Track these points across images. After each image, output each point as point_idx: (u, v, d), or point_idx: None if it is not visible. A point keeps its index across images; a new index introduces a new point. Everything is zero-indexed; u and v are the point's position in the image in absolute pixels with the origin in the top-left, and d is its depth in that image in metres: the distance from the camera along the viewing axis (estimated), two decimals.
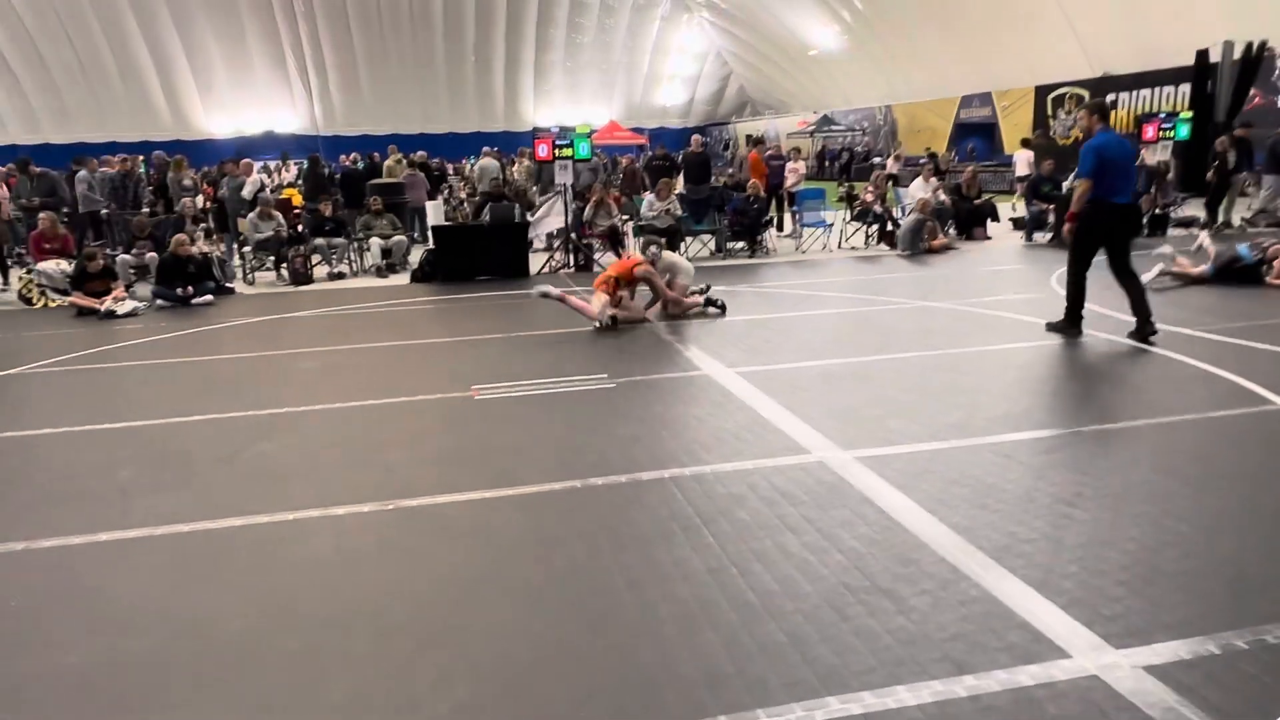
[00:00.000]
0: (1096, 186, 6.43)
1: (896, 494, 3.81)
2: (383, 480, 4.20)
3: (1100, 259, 6.75)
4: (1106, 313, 7.62)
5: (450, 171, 25.40)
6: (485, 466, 4.34)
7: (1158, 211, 13.31)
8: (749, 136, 31.48)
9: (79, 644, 2.93)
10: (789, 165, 15.41)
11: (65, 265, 10.27)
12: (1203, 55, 16.15)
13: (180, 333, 8.31)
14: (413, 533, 3.64)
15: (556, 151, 11.40)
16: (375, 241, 11.99)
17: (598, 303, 7.70)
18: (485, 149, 18.48)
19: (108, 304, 9.35)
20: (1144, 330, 6.50)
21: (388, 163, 16.69)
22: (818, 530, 3.49)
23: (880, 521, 3.55)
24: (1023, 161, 17.42)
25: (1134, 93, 21.36)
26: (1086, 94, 22.67)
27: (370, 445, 4.74)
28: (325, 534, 3.64)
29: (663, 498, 3.87)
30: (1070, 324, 6.85)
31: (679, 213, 12.29)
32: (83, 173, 12.42)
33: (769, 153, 16.41)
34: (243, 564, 3.42)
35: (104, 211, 12.28)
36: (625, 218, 13.90)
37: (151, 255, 10.75)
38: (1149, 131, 12.97)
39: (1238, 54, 15.83)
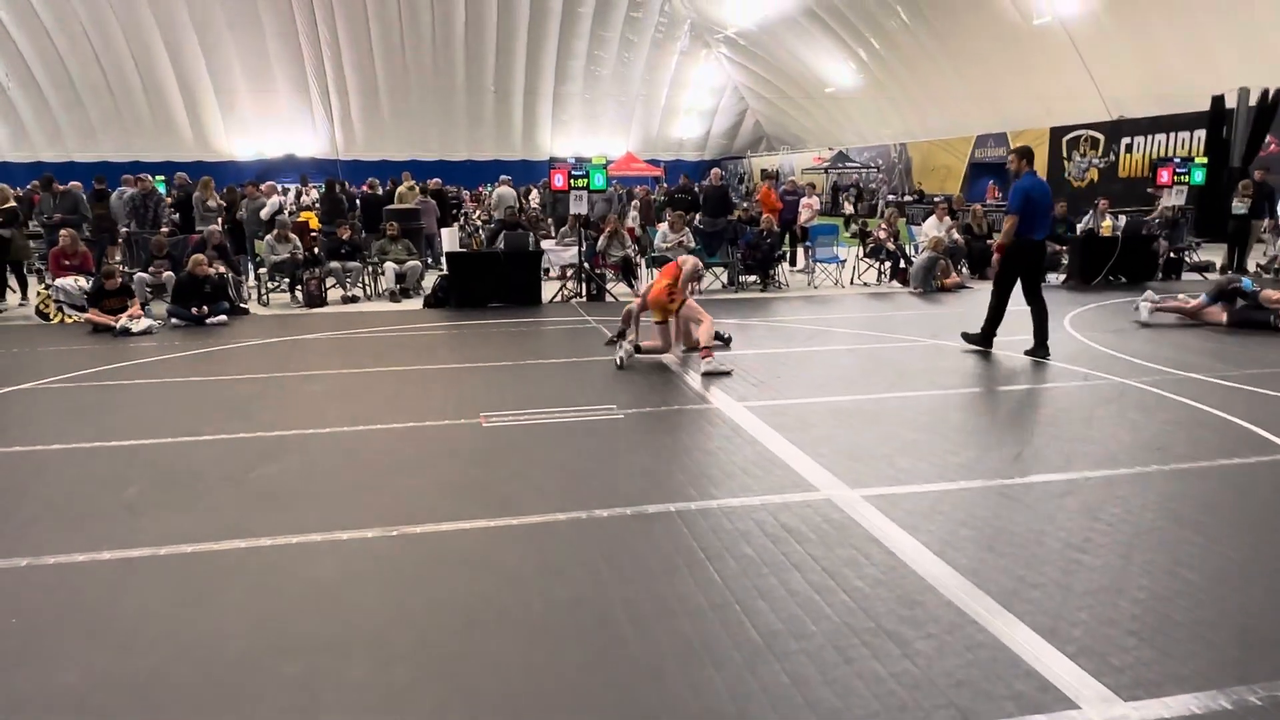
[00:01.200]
0: (1022, 224, 7.46)
1: (903, 534, 3.78)
2: (388, 506, 4.19)
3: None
4: (1115, 354, 7.58)
5: (467, 199, 25.67)
6: (491, 495, 4.33)
7: (1172, 255, 13.29)
8: (764, 171, 31.69)
9: (78, 663, 2.92)
10: (803, 200, 15.50)
11: (83, 282, 10.39)
12: (1218, 101, 16.22)
13: (193, 352, 8.37)
14: (416, 560, 3.63)
15: (572, 182, 11.50)
16: (390, 266, 12.09)
17: (658, 332, 7.52)
18: (502, 177, 18.66)
19: (123, 321, 9.44)
20: (1039, 350, 7.59)
21: (400, 189, 16.87)
22: (823, 569, 3.46)
23: (886, 562, 3.52)
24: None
25: (1149, 136, 21.45)
26: (1102, 137, 22.76)
27: (377, 470, 4.74)
28: (329, 558, 3.63)
29: (668, 531, 3.85)
30: (984, 339, 7.93)
31: (692, 245, 12.35)
32: (131, 191, 12.60)
33: (783, 188, 16.53)
34: (245, 586, 3.42)
35: (123, 229, 12.43)
36: (639, 249, 13.99)
37: (168, 274, 10.86)
38: (1164, 176, 13.00)
39: (1254, 100, 15.87)
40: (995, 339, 7.90)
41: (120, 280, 9.91)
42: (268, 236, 11.97)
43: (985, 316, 7.88)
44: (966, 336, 8.04)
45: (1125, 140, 22.04)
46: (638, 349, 7.53)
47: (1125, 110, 23.24)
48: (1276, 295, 8.98)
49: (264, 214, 13.15)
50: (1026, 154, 7.64)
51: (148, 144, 35.35)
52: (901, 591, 3.28)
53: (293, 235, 11.98)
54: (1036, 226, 7.52)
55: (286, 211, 14.92)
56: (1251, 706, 2.60)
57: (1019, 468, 4.66)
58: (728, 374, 6.94)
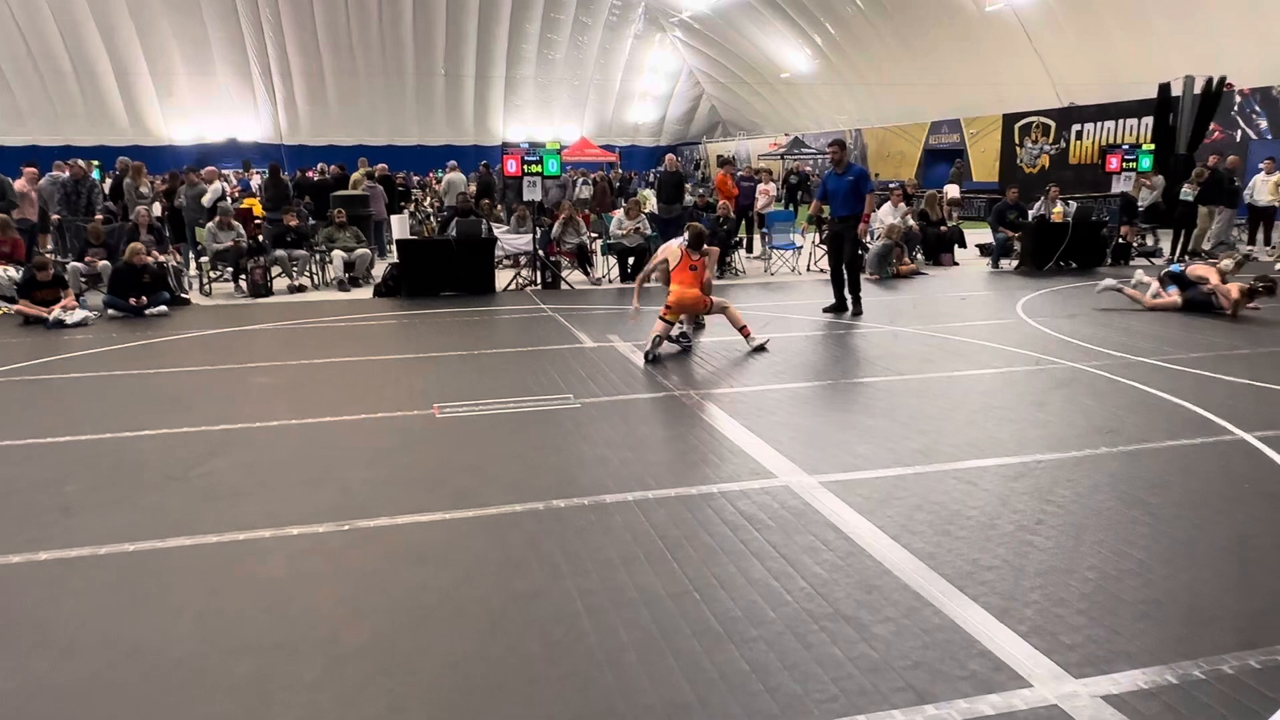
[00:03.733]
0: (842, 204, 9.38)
1: (861, 520, 3.84)
2: (339, 500, 4.15)
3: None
4: (1067, 339, 7.78)
5: (416, 184, 25.33)
6: (445, 487, 4.31)
7: (1120, 241, 13.65)
8: (720, 157, 31.81)
9: (15, 670, 2.84)
10: (759, 187, 15.59)
11: (13, 272, 10.05)
12: (1164, 89, 16.65)
13: (132, 344, 8.15)
14: (369, 555, 3.59)
15: (526, 168, 11.41)
16: (338, 254, 11.90)
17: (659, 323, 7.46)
18: (450, 163, 18.46)
19: (56, 313, 9.15)
20: (838, 308, 9.53)
21: (355, 175, 16.58)
22: (782, 556, 3.51)
23: (844, 547, 3.57)
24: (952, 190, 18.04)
25: (1099, 124, 21.94)
26: (1053, 123, 23.23)
27: (327, 464, 4.68)
28: (277, 555, 3.58)
29: (627, 521, 3.87)
30: (837, 307, 9.59)
31: (648, 232, 12.35)
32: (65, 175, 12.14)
33: (740, 174, 16.59)
34: (191, 586, 3.35)
35: (54, 217, 12.04)
36: (594, 235, 13.94)
37: (104, 264, 10.56)
38: (1112, 162, 13.31)
39: (1198, 88, 16.33)
40: (847, 305, 9.55)
41: (53, 271, 9.60)
42: (209, 224, 11.69)
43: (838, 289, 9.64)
44: (826, 309, 9.62)
45: (1075, 127, 22.51)
46: (661, 340, 7.33)
47: (1075, 97, 23.76)
48: (1200, 270, 9.30)
49: (206, 200, 12.83)
50: (843, 145, 9.64)
51: (80, 128, 34.22)
52: (859, 576, 3.33)
53: (236, 222, 11.72)
54: (832, 207, 9.63)
55: (229, 198, 14.58)
56: (1196, 680, 2.70)
57: (974, 450, 4.76)
58: (765, 347, 7.54)
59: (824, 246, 13.87)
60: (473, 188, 17.51)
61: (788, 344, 7.84)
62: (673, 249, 7.81)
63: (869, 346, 7.73)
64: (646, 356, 7.18)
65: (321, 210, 14.28)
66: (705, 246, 7.80)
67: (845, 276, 9.58)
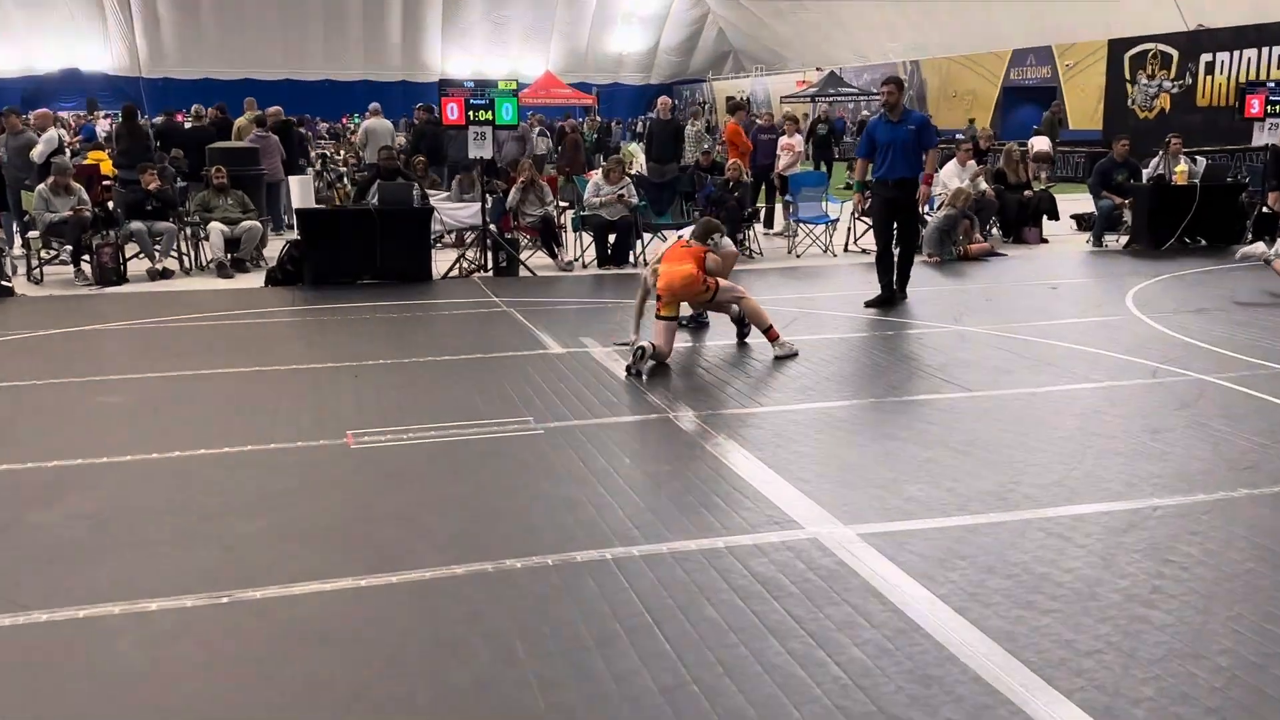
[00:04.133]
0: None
1: (915, 586, 3.85)
2: (217, 563, 4.13)
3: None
4: (1194, 342, 7.82)
5: (325, 134, 25.38)
6: (362, 543, 4.30)
7: (1265, 210, 13.73)
8: (730, 100, 31.93)
9: None
10: (782, 141, 15.64)
11: None
12: None
13: None
14: (255, 636, 3.57)
15: (471, 115, 11.41)
16: (217, 228, 11.87)
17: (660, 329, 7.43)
18: (373, 105, 18.47)
19: None
20: (886, 300, 9.64)
21: (239, 121, 16.54)
22: (809, 634, 3.51)
23: (892, 623, 3.58)
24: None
25: (1237, 53, 22.13)
26: (1175, 53, 23.43)
27: (201, 514, 4.66)
28: (130, 638, 3.56)
29: (604, 587, 3.87)
30: (886, 300, 9.71)
31: (634, 200, 12.38)
32: None
33: (757, 123, 16.65)
34: (13, 679, 3.33)
35: None
36: (564, 205, 13.96)
37: None
38: (1254, 105, 13.39)
39: None
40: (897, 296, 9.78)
41: None
42: (40, 186, 11.62)
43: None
44: (868, 303, 9.70)
45: (1205, 58, 22.73)
46: (647, 353, 7.23)
47: (1206, 18, 23.96)
48: None
49: (35, 155, 12.77)
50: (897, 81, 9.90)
51: None
52: (912, 663, 3.34)
53: (77, 185, 11.67)
54: (880, 167, 9.69)
55: (67, 151, 14.52)
56: None
57: (1067, 493, 4.78)
58: (796, 355, 7.59)
59: (867, 220, 13.98)
60: (402, 139, 17.53)
61: (818, 349, 7.86)
62: (683, 253, 7.74)
63: (926, 352, 7.76)
64: (629, 369, 7.18)
65: (196, 169, 14.24)
66: (719, 240, 7.83)
67: (895, 260, 9.78)
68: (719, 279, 7.73)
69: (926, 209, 14.20)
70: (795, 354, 7.60)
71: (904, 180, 9.52)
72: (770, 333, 7.67)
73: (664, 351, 7.34)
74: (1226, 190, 13.54)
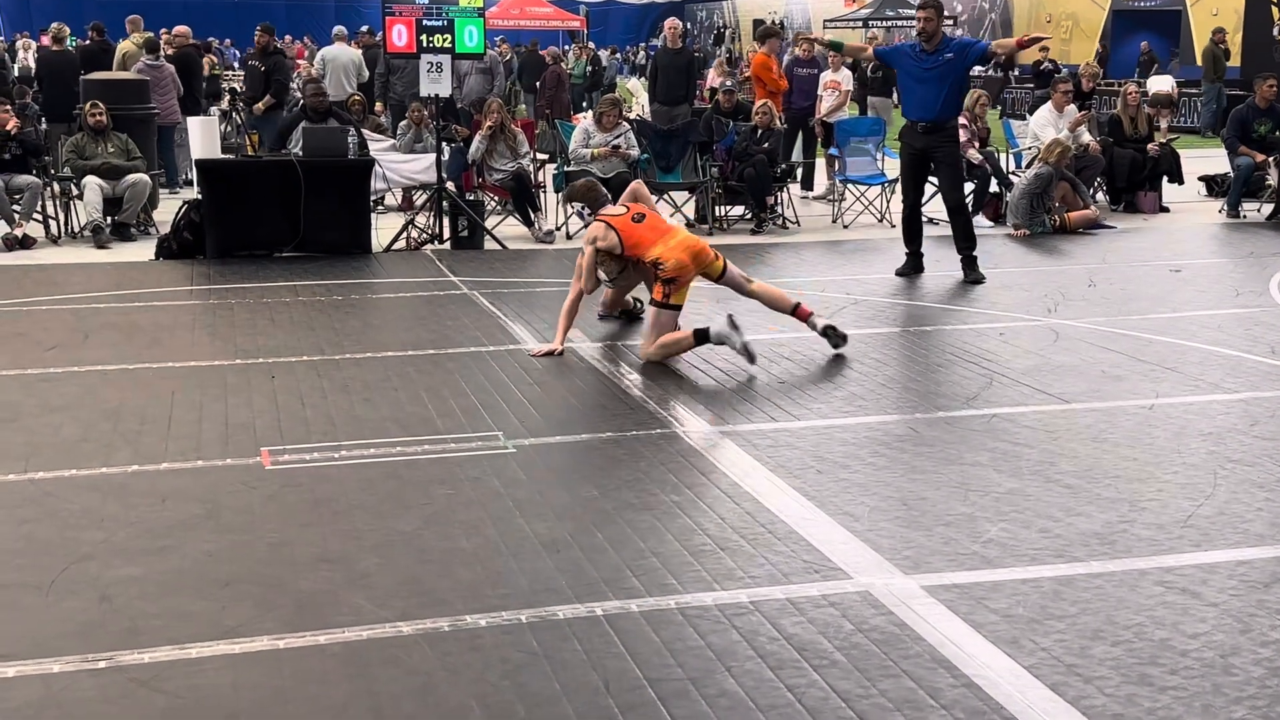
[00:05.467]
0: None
1: (996, 654, 3.82)
2: (92, 617, 4.10)
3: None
4: None
5: (235, 62, 25.32)
6: (280, 592, 4.28)
7: None
8: (759, 25, 31.87)
9: None
10: (825, 77, 15.59)
11: None
12: None
13: None
14: (143, 712, 3.55)
15: (424, 40, 11.39)
16: (94, 183, 11.85)
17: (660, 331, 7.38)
18: (337, 30, 18.50)
19: None
20: (911, 267, 10.40)
21: (123, 45, 16.52)
22: (858, 716, 3.49)
23: (966, 702, 3.56)
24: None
25: None
26: None
27: (70, 552, 4.63)
28: None
29: (592, 653, 3.84)
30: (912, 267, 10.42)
31: (635, 153, 12.36)
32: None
33: (795, 54, 16.59)
34: None
35: None
36: (543, 158, 13.93)
37: None
38: None
39: None
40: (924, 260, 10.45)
41: None
42: None
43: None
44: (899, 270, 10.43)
45: None
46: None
47: None
48: None
49: None
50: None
51: None
52: None
53: None
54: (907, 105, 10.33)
55: None
56: None
57: (1195, 536, 4.76)
58: (845, 339, 7.64)
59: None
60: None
61: (871, 346, 7.86)
62: (598, 226, 7.69)
63: (1008, 352, 7.75)
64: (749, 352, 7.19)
65: (64, 106, 14.20)
66: (635, 189, 8.03)
67: (920, 222, 10.54)
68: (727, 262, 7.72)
69: (1014, 167, 14.21)
70: (845, 337, 7.58)
71: (937, 124, 9.89)
72: (800, 311, 7.63)
73: (682, 343, 7.35)
74: None
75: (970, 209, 13.28)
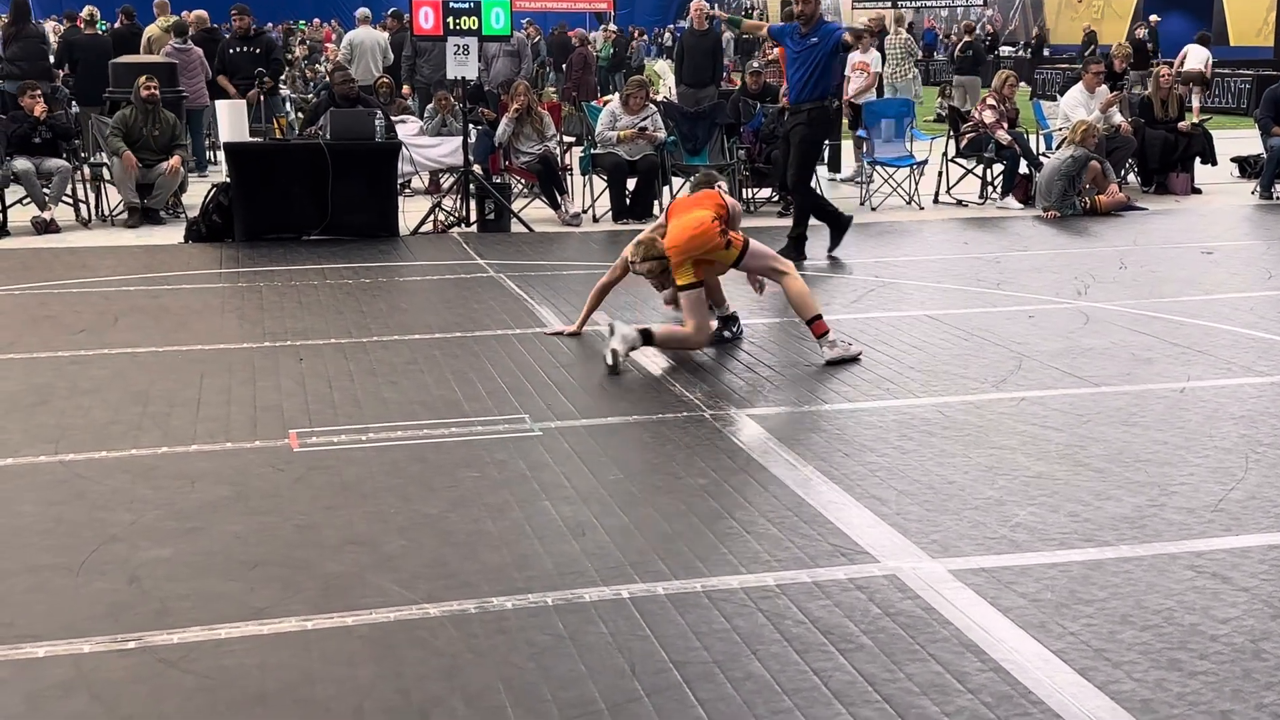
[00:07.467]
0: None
1: (1024, 638, 3.82)
2: (122, 598, 4.13)
3: None
4: None
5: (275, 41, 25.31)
6: (307, 574, 4.30)
7: None
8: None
9: None
10: (855, 58, 15.51)
11: None
12: None
13: None
14: (170, 691, 3.57)
15: (451, 23, 11.37)
16: (127, 163, 11.86)
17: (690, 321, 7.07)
18: (361, 11, 18.42)
19: None
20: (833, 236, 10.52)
21: (150, 29, 16.57)
22: (885, 699, 3.48)
23: (994, 687, 3.55)
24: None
25: None
26: None
27: (99, 534, 4.66)
28: (11, 692, 3.56)
29: (619, 634, 3.85)
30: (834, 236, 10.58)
31: (662, 135, 12.34)
32: None
33: None
34: None
35: None
36: (570, 140, 13.93)
37: None
38: None
39: None
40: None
41: None
42: None
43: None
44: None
45: None
46: (647, 338, 6.97)
47: None
48: None
49: None
50: None
51: None
52: None
53: None
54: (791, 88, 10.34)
55: None
56: None
57: (1226, 520, 4.74)
58: (857, 359, 7.17)
59: (962, 161, 13.91)
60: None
61: (899, 330, 7.84)
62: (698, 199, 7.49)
63: (1038, 336, 7.72)
64: (612, 367, 6.90)
65: (95, 90, 14.24)
66: (719, 190, 7.59)
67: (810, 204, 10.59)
68: (747, 238, 7.28)
69: (1044, 148, 14.14)
70: (856, 358, 7.16)
71: (798, 105, 10.17)
72: (817, 326, 7.15)
73: (692, 335, 7.06)
74: None
75: (999, 192, 13.28)
